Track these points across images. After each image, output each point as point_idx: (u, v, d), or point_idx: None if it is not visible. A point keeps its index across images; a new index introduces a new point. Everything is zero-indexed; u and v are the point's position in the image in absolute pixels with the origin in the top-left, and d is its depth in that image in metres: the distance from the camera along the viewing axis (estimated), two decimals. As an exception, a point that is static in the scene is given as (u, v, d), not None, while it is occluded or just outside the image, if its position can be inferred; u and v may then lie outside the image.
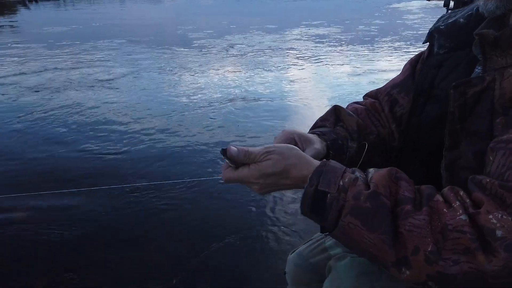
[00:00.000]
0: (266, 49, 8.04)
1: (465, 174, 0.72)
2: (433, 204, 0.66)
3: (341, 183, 0.69)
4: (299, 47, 8.31)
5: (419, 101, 0.92)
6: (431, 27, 0.95)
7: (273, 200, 2.60)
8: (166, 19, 14.36)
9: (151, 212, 2.50)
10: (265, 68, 6.44)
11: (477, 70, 0.78)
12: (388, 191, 0.68)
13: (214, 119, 4.19)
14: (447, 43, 0.88)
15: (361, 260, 0.89)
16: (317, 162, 0.75)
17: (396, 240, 0.65)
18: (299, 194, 0.73)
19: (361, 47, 8.23)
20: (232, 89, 5.29)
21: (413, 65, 1.01)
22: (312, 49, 8.03)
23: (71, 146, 3.51)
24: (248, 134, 3.77)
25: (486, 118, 0.71)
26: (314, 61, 6.98)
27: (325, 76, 6.01)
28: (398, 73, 1.07)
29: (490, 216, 0.60)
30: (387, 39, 9.09)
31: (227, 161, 0.75)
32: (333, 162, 0.74)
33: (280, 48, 8.18)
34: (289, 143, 0.84)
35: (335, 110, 1.02)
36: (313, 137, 0.90)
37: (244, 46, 8.45)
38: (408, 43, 8.54)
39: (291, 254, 1.21)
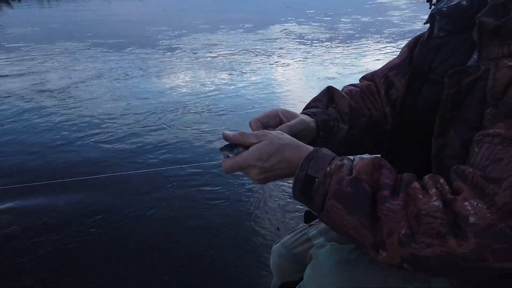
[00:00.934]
0: (244, 51, 7.53)
1: (452, 163, 0.73)
2: (410, 191, 0.68)
3: (328, 169, 0.73)
4: (281, 47, 7.88)
5: (416, 83, 0.92)
6: (433, 8, 0.93)
7: (266, 199, 2.61)
8: (139, 16, 14.14)
9: (144, 213, 2.49)
10: (234, 72, 5.97)
11: (474, 56, 0.78)
12: (370, 177, 0.71)
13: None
14: (448, 25, 0.87)
15: (341, 248, 0.92)
16: (309, 148, 0.78)
17: (374, 223, 0.68)
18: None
19: (346, 45, 7.98)
20: (194, 97, 4.77)
21: (411, 47, 1.00)
22: (297, 49, 7.67)
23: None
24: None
25: (476, 108, 0.72)
26: (299, 61, 6.69)
27: (306, 78, 5.73)
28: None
29: (466, 203, 0.63)
30: (373, 36, 8.99)
31: (225, 153, 0.79)
32: (324, 149, 0.77)
33: (258, 49, 7.64)
34: (273, 118, 0.88)
35: (329, 91, 1.03)
36: (301, 115, 0.92)
37: (223, 46, 8.19)
38: (392, 40, 8.41)
39: (275, 245, 1.22)
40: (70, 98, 4.77)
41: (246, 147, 0.79)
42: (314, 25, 10.81)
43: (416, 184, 0.69)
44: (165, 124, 3.92)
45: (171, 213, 2.47)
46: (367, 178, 0.70)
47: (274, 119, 0.91)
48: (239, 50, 7.54)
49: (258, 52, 7.46)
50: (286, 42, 8.40)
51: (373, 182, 0.70)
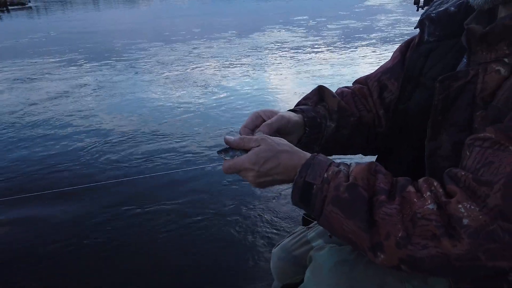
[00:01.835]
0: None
1: (444, 164, 0.76)
2: (405, 195, 0.71)
3: (325, 175, 0.75)
4: (268, 55, 7.63)
5: (407, 88, 0.94)
6: (422, 12, 0.95)
7: (262, 200, 2.63)
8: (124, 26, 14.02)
9: (139, 215, 2.51)
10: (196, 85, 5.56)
11: (464, 60, 0.80)
12: (366, 183, 0.73)
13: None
14: (437, 31, 0.89)
15: (340, 249, 0.94)
16: (306, 154, 0.80)
17: (371, 227, 0.70)
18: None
19: (336, 51, 7.78)
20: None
21: (403, 51, 1.02)
22: (284, 57, 7.45)
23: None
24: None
25: (466, 111, 0.74)
26: (287, 69, 6.52)
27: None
28: None
29: (459, 206, 0.65)
30: (362, 41, 8.89)
31: (221, 156, 0.82)
32: (320, 156, 0.80)
33: (230, 62, 7.11)
34: (256, 120, 0.90)
35: (319, 90, 1.04)
36: (282, 112, 0.94)
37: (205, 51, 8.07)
38: (381, 45, 8.26)
39: (275, 248, 1.24)
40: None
41: (246, 151, 0.81)
42: (302, 31, 10.69)
43: (411, 188, 0.72)
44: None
45: (168, 215, 2.49)
46: (363, 183, 0.73)
47: (258, 120, 0.92)
48: (225, 61, 7.36)
49: (246, 58, 7.43)
50: (273, 50, 8.21)
51: (369, 187, 0.73)
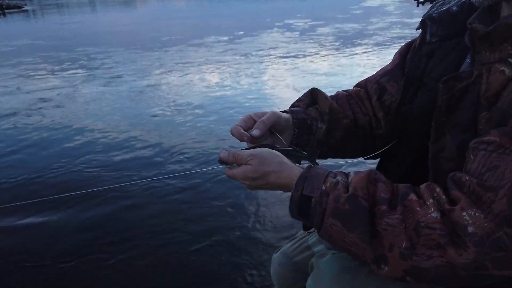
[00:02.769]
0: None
1: (448, 166, 0.75)
2: (407, 203, 0.69)
3: (323, 187, 0.73)
4: (266, 57, 7.40)
5: (410, 90, 0.93)
6: (424, 13, 0.94)
7: (262, 204, 2.61)
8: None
9: (135, 215, 2.51)
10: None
11: (468, 60, 0.78)
12: (366, 192, 0.71)
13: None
14: (439, 31, 0.87)
15: (342, 256, 0.91)
16: (294, 172, 0.78)
17: (374, 238, 0.68)
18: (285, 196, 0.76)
19: (334, 54, 7.59)
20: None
21: (403, 54, 1.01)
22: (281, 62, 7.28)
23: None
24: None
25: (470, 112, 0.72)
26: (283, 74, 6.38)
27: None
28: None
29: (464, 213, 0.63)
30: (361, 43, 8.78)
31: (222, 164, 0.84)
32: (317, 168, 0.78)
33: (243, 57, 7.03)
34: (248, 121, 0.90)
35: (312, 93, 1.03)
36: (274, 112, 0.93)
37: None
38: (381, 47, 8.14)
39: (275, 254, 1.21)
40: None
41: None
42: (300, 33, 10.58)
43: (412, 196, 0.70)
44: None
45: (167, 216, 2.50)
46: (363, 193, 0.71)
47: (250, 122, 0.91)
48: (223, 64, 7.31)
49: (246, 58, 7.40)
50: (270, 53, 8.06)
51: (370, 197, 0.71)
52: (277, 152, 0.82)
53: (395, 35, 9.02)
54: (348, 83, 5.18)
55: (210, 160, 3.29)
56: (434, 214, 0.65)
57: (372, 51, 7.84)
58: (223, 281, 1.96)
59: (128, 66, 7.37)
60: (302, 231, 1.23)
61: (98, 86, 6.03)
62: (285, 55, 7.75)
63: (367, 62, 6.89)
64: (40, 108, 5.03)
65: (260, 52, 8.01)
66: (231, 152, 0.82)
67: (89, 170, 3.22)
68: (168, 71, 6.76)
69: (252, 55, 7.83)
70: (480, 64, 0.72)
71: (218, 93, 5.34)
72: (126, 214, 2.55)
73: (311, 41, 9.13)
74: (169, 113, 4.60)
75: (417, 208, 0.67)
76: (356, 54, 7.52)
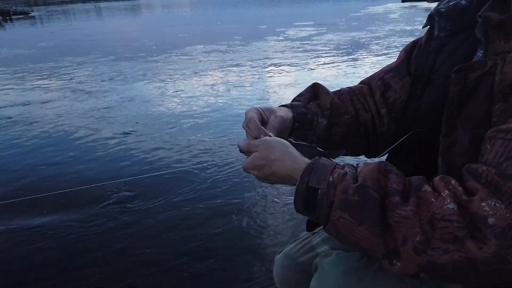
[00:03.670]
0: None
1: (460, 161, 0.72)
2: (421, 195, 0.66)
3: (330, 179, 0.71)
4: (270, 63, 7.19)
5: (417, 87, 0.91)
6: (431, 10, 0.93)
7: (259, 201, 2.59)
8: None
9: (133, 218, 2.49)
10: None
11: (479, 53, 0.76)
12: (377, 184, 0.68)
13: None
14: (448, 25, 0.86)
15: (347, 256, 0.88)
16: (303, 160, 0.76)
17: (385, 232, 0.65)
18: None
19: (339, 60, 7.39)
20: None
21: (408, 51, 1.00)
22: (285, 68, 7.11)
23: None
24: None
25: (484, 104, 0.70)
26: (289, 79, 6.29)
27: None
28: None
29: (483, 204, 0.60)
30: (366, 49, 8.62)
31: (241, 153, 0.87)
32: (323, 159, 0.75)
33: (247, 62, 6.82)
34: (258, 114, 0.89)
35: (314, 88, 1.02)
36: (278, 107, 0.93)
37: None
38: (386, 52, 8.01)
39: (278, 255, 1.19)
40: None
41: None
42: (304, 40, 10.44)
43: (427, 187, 0.67)
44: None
45: (170, 214, 2.49)
46: (373, 184, 0.67)
47: (260, 115, 0.91)
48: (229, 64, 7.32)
49: (248, 64, 7.39)
50: (274, 60, 7.84)
51: (381, 188, 0.67)
52: (287, 143, 0.80)
53: (399, 44, 8.91)
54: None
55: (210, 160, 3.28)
56: (450, 206, 0.62)
57: (381, 59, 7.72)
58: (224, 281, 1.93)
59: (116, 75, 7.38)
60: (305, 232, 1.20)
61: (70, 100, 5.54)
62: (288, 63, 7.68)
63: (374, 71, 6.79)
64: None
65: (263, 61, 7.91)
66: (246, 141, 0.84)
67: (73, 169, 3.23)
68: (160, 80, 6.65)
69: (254, 62, 7.80)
70: (494, 54, 0.70)
71: (220, 101, 5.33)
72: (122, 214, 2.54)
73: (313, 48, 9.10)
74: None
75: (432, 200, 0.64)
76: (361, 61, 7.45)
